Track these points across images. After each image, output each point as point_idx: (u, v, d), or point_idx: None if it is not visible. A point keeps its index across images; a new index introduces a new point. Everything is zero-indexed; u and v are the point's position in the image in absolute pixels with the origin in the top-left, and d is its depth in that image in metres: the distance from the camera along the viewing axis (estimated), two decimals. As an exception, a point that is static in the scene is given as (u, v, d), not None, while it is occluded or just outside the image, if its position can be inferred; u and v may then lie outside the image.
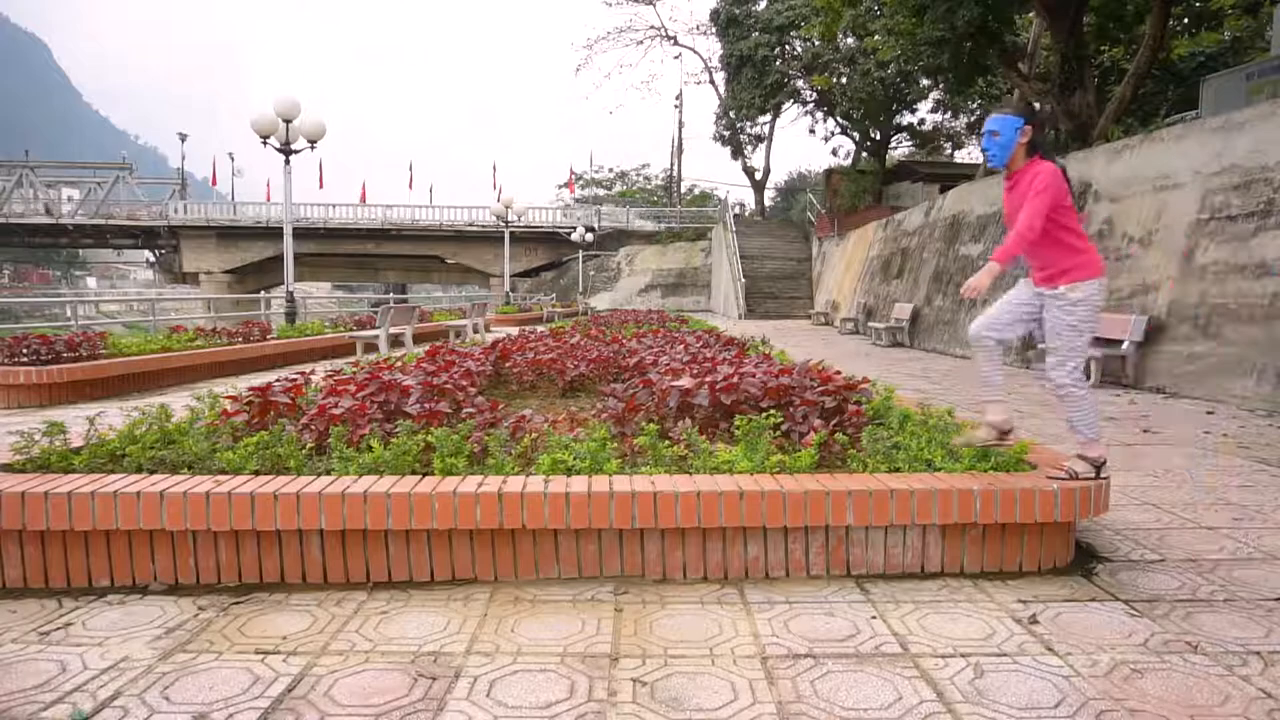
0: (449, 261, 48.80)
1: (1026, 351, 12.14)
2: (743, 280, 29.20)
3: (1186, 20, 21.14)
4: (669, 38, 44.68)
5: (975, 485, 3.13)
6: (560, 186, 59.77)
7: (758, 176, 44.28)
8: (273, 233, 44.09)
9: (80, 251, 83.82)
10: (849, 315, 21.67)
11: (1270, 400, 7.61)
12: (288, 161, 14.01)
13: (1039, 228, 3.27)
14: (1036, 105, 3.66)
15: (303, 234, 37.45)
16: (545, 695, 2.21)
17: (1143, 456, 5.48)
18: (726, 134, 41.93)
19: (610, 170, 61.81)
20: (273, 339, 11.69)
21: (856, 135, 35.28)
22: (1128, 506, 4.15)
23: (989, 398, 3.51)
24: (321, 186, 53.60)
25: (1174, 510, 4.11)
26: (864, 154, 35.55)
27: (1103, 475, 3.32)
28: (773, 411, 3.82)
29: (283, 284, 15.46)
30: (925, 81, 27.55)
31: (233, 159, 62.61)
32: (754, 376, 4.38)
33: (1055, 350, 3.36)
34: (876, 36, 21.19)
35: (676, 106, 60.75)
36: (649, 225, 45.92)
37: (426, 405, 4.03)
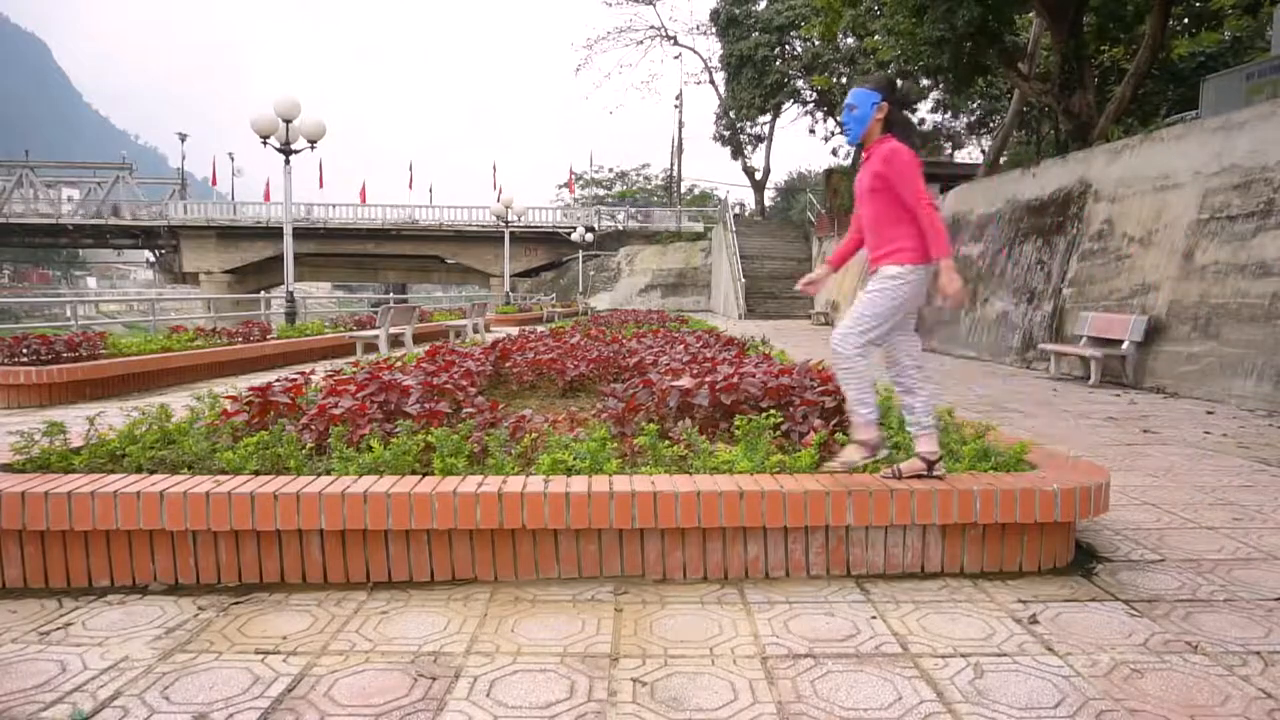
0: (449, 262, 48.82)
1: (1026, 352, 12.14)
2: (743, 280, 29.20)
3: (1186, 20, 21.14)
4: (669, 38, 44.71)
5: (975, 485, 3.14)
6: (560, 186, 59.81)
7: (758, 176, 44.32)
8: (273, 233, 44.11)
9: (80, 251, 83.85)
10: (849, 315, 21.63)
11: (1270, 400, 7.61)
12: (288, 161, 14.01)
13: (929, 204, 3.19)
14: (900, 81, 3.56)
15: (303, 234, 37.44)
16: (545, 695, 2.21)
17: (1143, 456, 5.48)
18: (726, 134, 41.95)
19: (610, 170, 61.85)
20: (273, 339, 11.69)
21: (856, 135, 35.23)
22: (1128, 506, 4.15)
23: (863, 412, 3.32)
24: (321, 186, 53.63)
25: (1174, 510, 4.11)
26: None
27: (880, 455, 3.28)
28: (773, 411, 3.82)
29: (283, 284, 15.46)
30: (925, 81, 27.52)
31: (233, 159, 62.61)
32: (754, 376, 4.38)
33: (850, 316, 3.30)
34: (876, 36, 21.19)
35: (676, 106, 60.75)
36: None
37: (426, 405, 4.03)
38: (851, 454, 3.26)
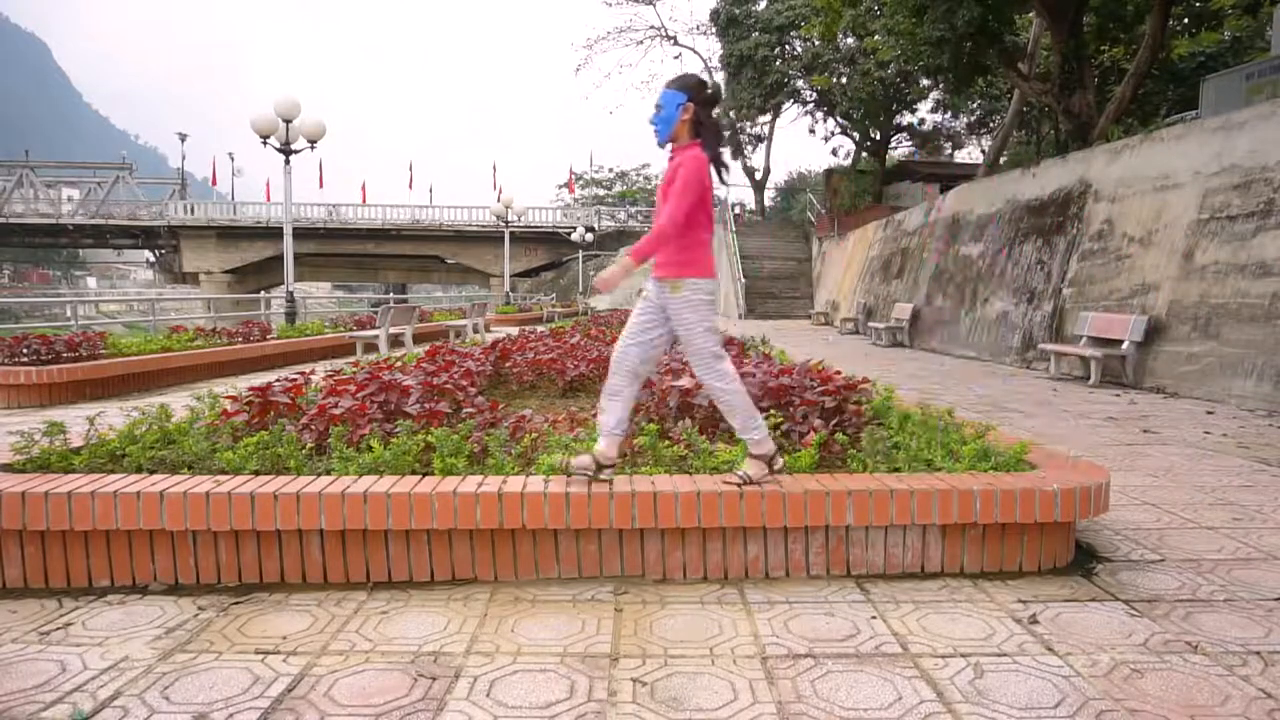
0: (449, 261, 48.84)
1: (1026, 352, 12.14)
2: (743, 280, 29.19)
3: (1186, 20, 21.13)
4: (669, 38, 44.68)
5: (975, 485, 3.13)
6: (560, 186, 59.79)
7: (758, 176, 44.32)
8: (273, 233, 44.12)
9: (80, 251, 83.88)
10: (849, 315, 21.67)
11: (1270, 400, 7.61)
12: (288, 161, 14.02)
13: (681, 223, 3.07)
14: (710, 82, 3.40)
15: (303, 234, 37.45)
16: (545, 695, 2.21)
17: (1143, 456, 5.48)
18: (727, 134, 41.91)
19: (610, 170, 61.83)
20: (273, 339, 11.69)
21: (856, 135, 35.29)
22: (1128, 506, 4.15)
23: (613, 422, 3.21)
24: (321, 186, 53.64)
25: (1174, 510, 4.11)
26: (864, 154, 35.55)
27: (775, 469, 3.16)
28: (773, 411, 3.82)
29: (283, 284, 15.47)
30: (925, 81, 27.54)
31: (233, 159, 62.64)
32: (754, 376, 4.38)
33: (688, 351, 3.18)
34: (876, 36, 21.21)
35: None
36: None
37: (426, 405, 4.03)
38: (757, 469, 3.16)
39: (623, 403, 3.21)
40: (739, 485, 3.10)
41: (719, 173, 3.20)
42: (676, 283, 3.13)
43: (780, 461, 3.22)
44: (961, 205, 16.48)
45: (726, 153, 3.33)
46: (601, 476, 3.14)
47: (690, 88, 3.16)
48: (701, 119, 3.16)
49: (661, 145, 3.21)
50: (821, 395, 4.10)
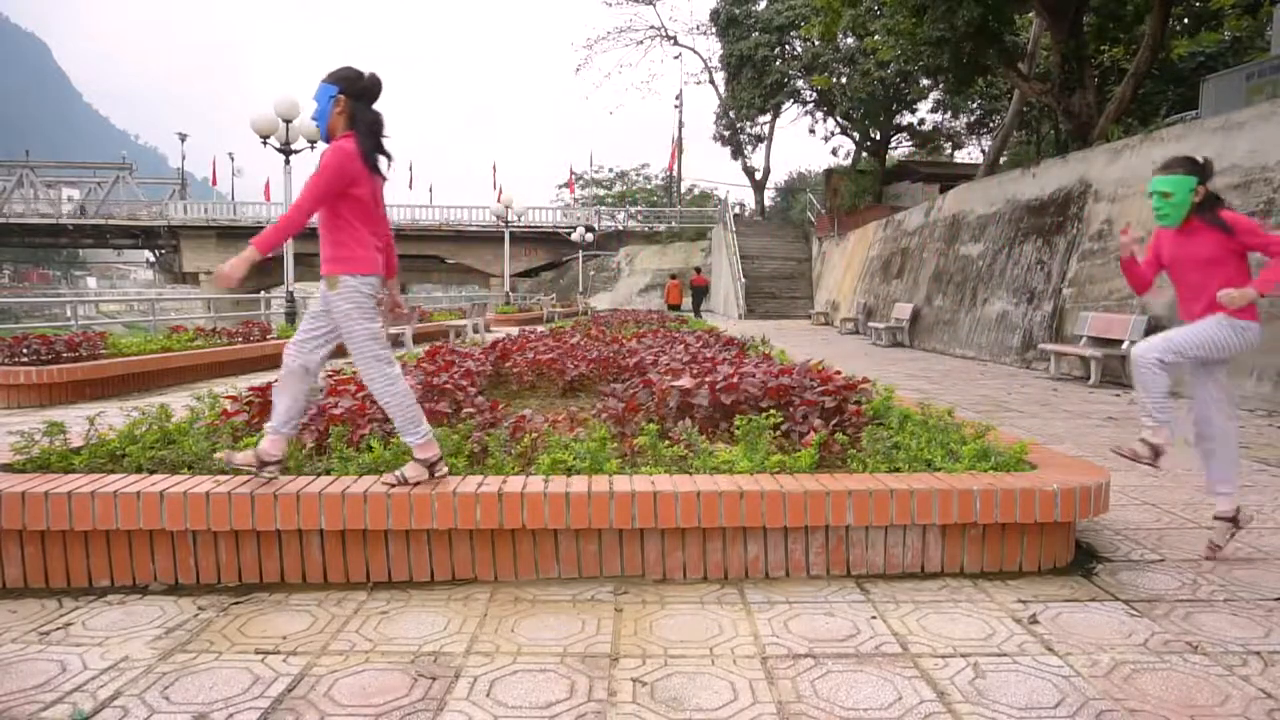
0: (449, 261, 48.80)
1: (1026, 352, 12.15)
2: (743, 280, 29.18)
3: (1186, 20, 21.13)
4: (669, 38, 44.68)
5: (975, 485, 3.13)
6: (560, 187, 59.78)
7: (758, 176, 44.30)
8: (273, 233, 44.01)
9: (80, 251, 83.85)
10: (849, 315, 21.67)
11: (1270, 400, 7.61)
12: (288, 161, 14.01)
13: (308, 212, 3.00)
14: (367, 74, 3.30)
15: (302, 234, 37.45)
16: (545, 695, 2.21)
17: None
18: (726, 134, 41.93)
19: (610, 170, 61.83)
20: (273, 339, 11.69)
21: (856, 135, 35.29)
22: (1128, 506, 4.15)
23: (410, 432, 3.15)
24: (321, 186, 53.54)
25: (1174, 510, 4.11)
26: (864, 154, 35.55)
27: (436, 474, 3.14)
28: (773, 411, 3.82)
29: (283, 284, 15.46)
30: (925, 81, 27.53)
31: (233, 159, 62.65)
32: (754, 376, 4.38)
33: (349, 349, 3.13)
34: (876, 36, 21.19)
35: (676, 106, 60.75)
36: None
37: (426, 405, 4.03)
38: (415, 471, 3.12)
39: (290, 398, 3.16)
40: (392, 485, 3.05)
41: (374, 165, 3.11)
42: (333, 279, 3.08)
43: (444, 469, 3.17)
44: (961, 205, 16.48)
45: (391, 143, 3.21)
46: (264, 474, 3.10)
47: (341, 80, 3.12)
48: (354, 111, 3.11)
49: (325, 140, 3.17)
50: (821, 395, 4.10)
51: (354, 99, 3.11)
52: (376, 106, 3.19)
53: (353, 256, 3.10)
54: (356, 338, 3.11)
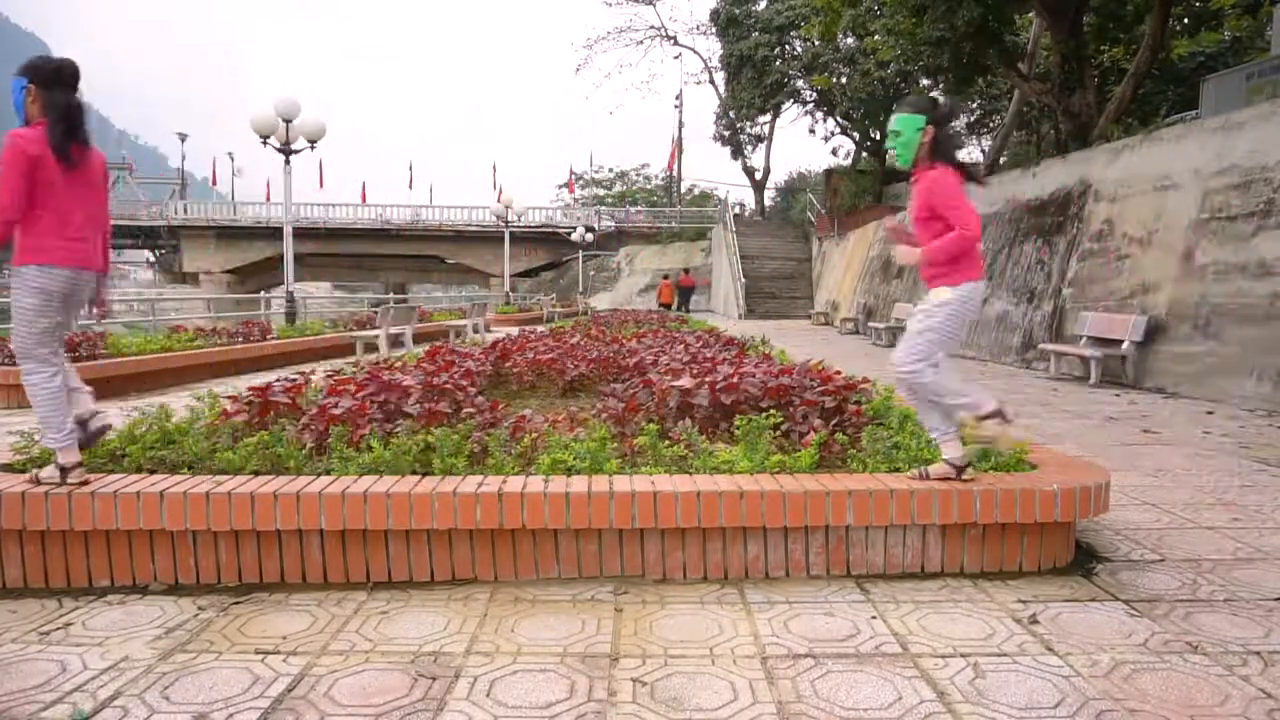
0: (449, 262, 48.81)
1: (1026, 352, 12.15)
2: (743, 280, 29.19)
3: (1186, 20, 21.12)
4: (669, 38, 44.68)
5: (975, 485, 3.14)
6: (560, 186, 59.76)
7: (758, 176, 44.29)
8: (272, 233, 44.07)
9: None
10: (849, 315, 21.66)
11: (1270, 400, 7.61)
12: (288, 161, 14.01)
13: (8, 207, 2.96)
14: (67, 64, 3.31)
15: (303, 234, 37.42)
16: (545, 695, 2.21)
17: (1143, 456, 5.48)
18: (726, 134, 41.93)
19: (610, 170, 61.81)
20: (273, 339, 11.68)
21: (856, 135, 35.27)
22: (1128, 506, 4.15)
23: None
24: (321, 186, 53.69)
25: (1174, 510, 4.11)
26: (864, 154, 35.54)
27: (69, 478, 3.09)
28: (773, 411, 3.82)
29: (283, 284, 15.46)
30: (925, 81, 27.50)
31: (233, 159, 62.67)
32: (754, 376, 4.38)
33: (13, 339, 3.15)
34: (876, 36, 21.20)
35: (676, 107, 60.75)
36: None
37: (426, 405, 4.03)
38: (48, 471, 3.12)
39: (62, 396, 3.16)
40: (34, 482, 3.06)
41: (62, 152, 3.05)
42: (16, 270, 3.06)
43: (80, 473, 3.12)
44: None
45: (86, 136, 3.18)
46: (70, 480, 3.08)
47: (29, 70, 3.10)
48: (46, 99, 3.08)
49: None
50: (821, 395, 4.10)
51: (44, 87, 3.08)
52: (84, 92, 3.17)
53: (39, 246, 3.06)
54: (17, 326, 3.09)
